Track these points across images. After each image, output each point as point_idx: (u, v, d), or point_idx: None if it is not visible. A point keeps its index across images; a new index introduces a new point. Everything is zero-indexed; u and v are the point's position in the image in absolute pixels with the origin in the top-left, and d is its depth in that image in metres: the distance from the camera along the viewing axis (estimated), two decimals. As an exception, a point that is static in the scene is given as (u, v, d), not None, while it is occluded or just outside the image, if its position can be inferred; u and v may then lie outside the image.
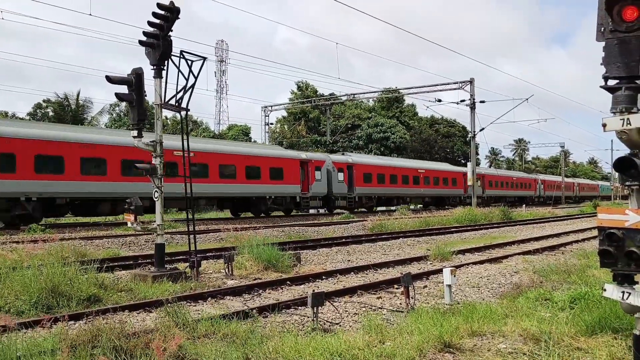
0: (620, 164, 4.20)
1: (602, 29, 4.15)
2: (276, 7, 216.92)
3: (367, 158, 46.78)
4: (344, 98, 53.13)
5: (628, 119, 4.02)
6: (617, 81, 4.10)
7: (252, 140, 66.73)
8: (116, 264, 12.44)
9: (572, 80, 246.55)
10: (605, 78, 4.14)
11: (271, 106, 53.03)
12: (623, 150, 4.38)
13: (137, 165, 11.53)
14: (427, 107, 46.22)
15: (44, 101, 53.12)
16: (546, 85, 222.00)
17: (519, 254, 15.54)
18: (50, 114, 51.81)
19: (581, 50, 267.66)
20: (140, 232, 15.88)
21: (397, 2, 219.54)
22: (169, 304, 7.18)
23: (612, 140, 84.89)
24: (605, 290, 4.25)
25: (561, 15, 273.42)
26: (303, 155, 36.05)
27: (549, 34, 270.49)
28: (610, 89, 4.14)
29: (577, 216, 41.49)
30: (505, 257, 14.84)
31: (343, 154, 44.27)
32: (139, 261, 12.99)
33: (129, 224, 11.07)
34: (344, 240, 19.54)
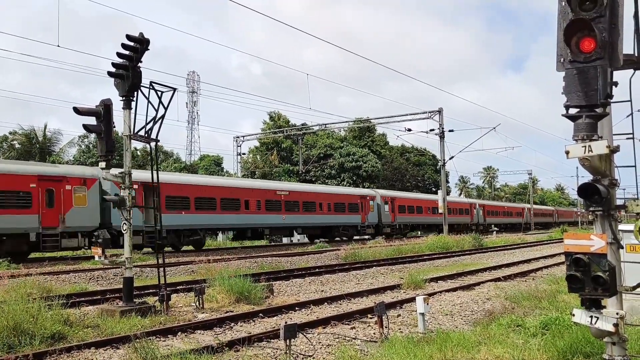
0: (584, 191, 4.31)
1: (562, 59, 4.29)
2: (219, 31, 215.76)
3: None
4: (316, 128, 53.47)
5: (589, 146, 4.13)
6: (578, 110, 4.23)
7: (225, 171, 66.43)
8: (83, 299, 12.08)
9: (529, 106, 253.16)
10: (567, 107, 4.27)
11: (243, 136, 53.01)
12: (588, 177, 4.49)
13: (105, 197, 11.32)
14: (398, 136, 46.91)
15: (10, 133, 52.07)
16: (503, 110, 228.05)
17: (490, 280, 15.65)
18: (17, 146, 50.73)
19: (535, 75, 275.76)
20: (109, 266, 15.51)
21: (346, 28, 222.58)
22: (137, 340, 6.99)
23: (577, 167, 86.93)
24: (574, 315, 4.30)
25: (512, 39, 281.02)
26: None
27: (503, 58, 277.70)
28: (571, 117, 4.26)
29: (546, 242, 42.17)
30: (478, 284, 14.93)
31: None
32: (107, 296, 12.63)
33: (97, 258, 10.80)
34: (317, 270, 19.40)
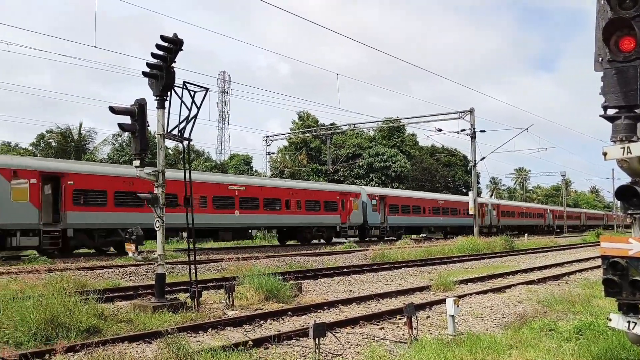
0: (622, 193, 4.21)
1: (600, 59, 4.21)
2: (242, 31, 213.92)
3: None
4: (345, 128, 53.39)
5: (628, 147, 4.04)
6: (617, 110, 4.15)
7: (254, 170, 66.97)
8: (116, 294, 12.33)
9: (562, 106, 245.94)
10: (605, 107, 4.19)
11: (272, 136, 53.32)
12: (624, 179, 4.39)
13: (138, 194, 11.56)
14: (428, 136, 46.50)
15: (47, 132, 53.52)
16: (535, 111, 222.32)
17: (522, 283, 15.40)
18: (53, 144, 52.11)
19: (567, 75, 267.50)
20: (141, 262, 15.83)
21: (365, 27, 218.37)
22: (169, 335, 7.11)
23: (612, 169, 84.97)
24: (610, 320, 4.21)
25: (543, 38, 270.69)
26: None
27: (532, 58, 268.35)
28: (609, 118, 4.18)
29: (579, 245, 41.28)
30: (509, 286, 14.70)
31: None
32: (140, 291, 12.89)
33: (130, 254, 11.02)
34: (345, 270, 19.39)
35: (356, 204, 38.79)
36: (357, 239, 38.65)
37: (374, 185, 61.93)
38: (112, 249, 26.12)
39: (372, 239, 40.55)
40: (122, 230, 22.74)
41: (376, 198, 41.63)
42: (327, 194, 37.03)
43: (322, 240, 37.56)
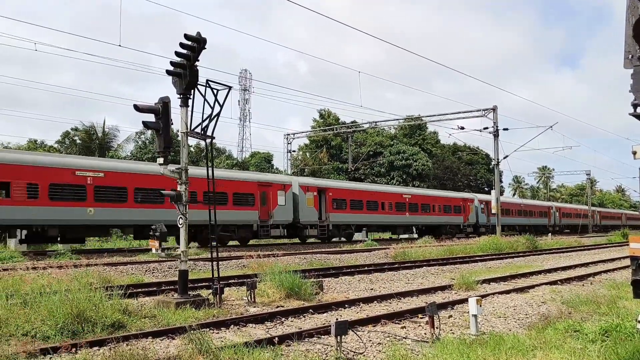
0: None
1: (630, 56, 4.13)
2: (262, 29, 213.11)
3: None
4: (366, 126, 53.20)
5: (659, 146, 3.96)
6: (647, 108, 4.06)
7: (275, 167, 67.18)
8: (140, 290, 12.50)
9: (587, 104, 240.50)
10: (634, 105, 4.10)
11: (293, 134, 53.40)
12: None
13: (162, 192, 11.68)
14: (450, 134, 45.87)
15: (72, 129, 54.39)
16: (559, 108, 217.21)
17: (546, 283, 15.20)
18: (78, 141, 52.96)
19: (591, 72, 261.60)
20: (164, 259, 16.01)
21: (388, 25, 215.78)
22: (192, 331, 7.18)
23: (639, 168, 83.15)
24: (639, 322, 4.14)
25: (567, 34, 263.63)
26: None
27: (555, 54, 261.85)
28: (639, 116, 4.09)
29: (604, 245, 40.56)
30: (532, 286, 14.52)
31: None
32: (163, 287, 13.03)
33: (154, 250, 11.16)
34: (366, 268, 19.36)
35: (472, 208, 49.77)
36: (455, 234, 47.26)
37: (394, 184, 61.78)
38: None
39: (473, 236, 47.96)
40: (353, 226, 36.92)
41: (484, 203, 51.75)
42: (455, 200, 48.11)
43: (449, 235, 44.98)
